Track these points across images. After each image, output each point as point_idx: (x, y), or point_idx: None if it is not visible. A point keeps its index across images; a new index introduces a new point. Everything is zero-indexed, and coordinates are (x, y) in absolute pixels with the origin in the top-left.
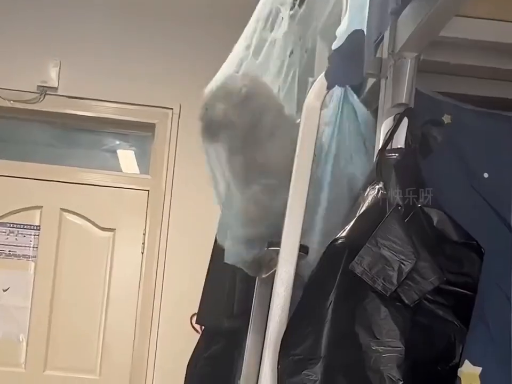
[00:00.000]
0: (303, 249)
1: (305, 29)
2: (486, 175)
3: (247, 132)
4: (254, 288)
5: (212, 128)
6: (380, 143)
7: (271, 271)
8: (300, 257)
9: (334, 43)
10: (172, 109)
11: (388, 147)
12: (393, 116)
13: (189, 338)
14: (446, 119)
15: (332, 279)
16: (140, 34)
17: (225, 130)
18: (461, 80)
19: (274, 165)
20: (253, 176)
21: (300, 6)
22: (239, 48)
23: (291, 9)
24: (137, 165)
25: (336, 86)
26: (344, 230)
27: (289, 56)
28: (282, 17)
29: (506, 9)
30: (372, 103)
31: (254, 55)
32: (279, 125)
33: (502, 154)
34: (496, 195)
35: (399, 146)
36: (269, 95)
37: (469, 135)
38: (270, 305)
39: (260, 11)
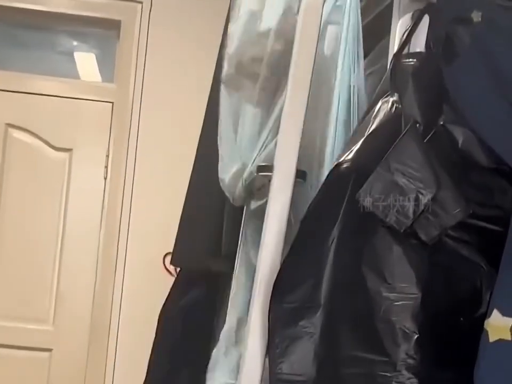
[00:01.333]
0: (301, 175)
1: None
2: None
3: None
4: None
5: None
6: (394, 46)
7: (262, 202)
8: (296, 185)
9: None
10: (141, 2)
11: (405, 51)
12: (411, 13)
13: (162, 282)
14: (476, 16)
15: (335, 211)
16: None
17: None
18: None
19: None
20: None
21: None
22: None
23: None
24: (99, 71)
25: None
26: (351, 151)
27: None
28: None
29: None
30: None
31: None
32: None
33: None
34: None
35: (418, 50)
36: None
37: (503, 36)
38: (260, 243)
39: None
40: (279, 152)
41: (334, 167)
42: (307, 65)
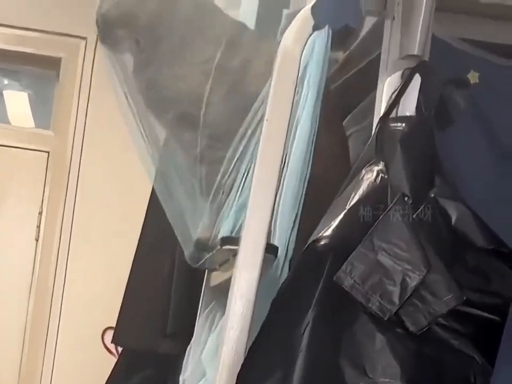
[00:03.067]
0: (271, 249)
1: None
2: None
3: (156, 29)
4: (197, 298)
5: (108, 27)
6: (381, 108)
7: (225, 277)
8: (266, 261)
9: None
10: (85, 38)
11: (393, 114)
12: (401, 72)
13: (100, 362)
14: (473, 77)
15: (309, 294)
16: None
17: (125, 28)
18: (495, 24)
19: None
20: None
21: None
22: None
23: None
24: (32, 114)
25: (327, 26)
26: (329, 227)
27: None
28: None
29: None
30: (369, 52)
31: None
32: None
33: None
34: None
35: (407, 114)
36: None
37: (501, 99)
38: (223, 324)
39: None
40: (247, 223)
41: (310, 244)
42: (281, 124)
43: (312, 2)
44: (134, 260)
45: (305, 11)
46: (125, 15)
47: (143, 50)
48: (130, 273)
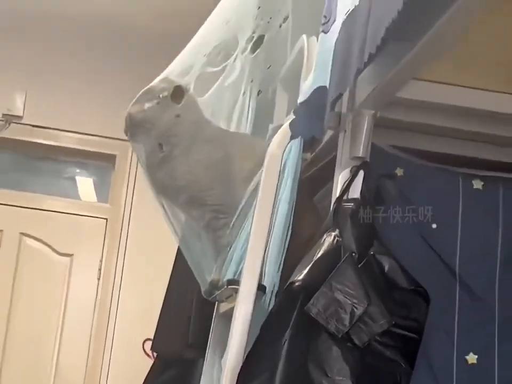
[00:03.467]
0: (261, 288)
1: (257, 72)
2: (434, 226)
3: (166, 136)
4: (210, 319)
5: (132, 126)
6: (337, 193)
7: (230, 307)
8: (257, 295)
9: (299, 97)
10: None
11: (345, 197)
12: (350, 168)
13: (142, 364)
14: (399, 172)
15: (288, 319)
16: (104, 65)
17: (142, 129)
18: (415, 136)
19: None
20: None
21: (253, 50)
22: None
23: (243, 51)
24: (97, 193)
25: (300, 136)
26: (301, 273)
27: (242, 95)
28: (236, 56)
29: (459, 74)
30: (328, 153)
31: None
32: (201, 133)
33: (449, 207)
34: (443, 244)
35: (355, 197)
36: (191, 102)
37: (419, 188)
38: (228, 340)
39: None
40: (245, 271)
41: (288, 285)
42: (268, 204)
43: (289, 120)
44: (166, 294)
45: (285, 126)
46: (148, 122)
47: (163, 151)
48: (163, 302)
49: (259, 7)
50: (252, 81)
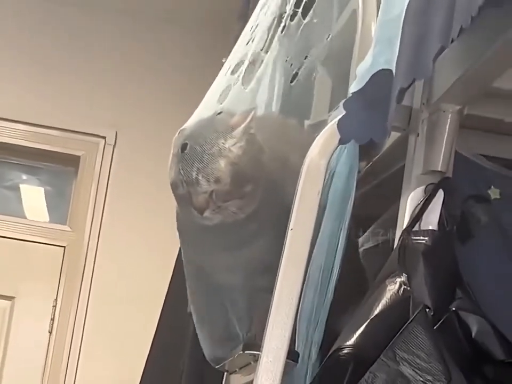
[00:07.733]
0: (292, 355)
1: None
2: None
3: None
4: None
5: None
6: (404, 221)
7: (245, 382)
8: (287, 366)
9: (352, 85)
10: (104, 137)
11: (415, 228)
12: (423, 187)
13: None
14: (494, 193)
15: None
16: (68, 46)
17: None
18: None
19: None
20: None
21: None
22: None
23: (283, 28)
24: (49, 210)
25: (352, 140)
26: (352, 336)
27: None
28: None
29: None
30: (391, 165)
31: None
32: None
33: None
34: None
35: (430, 228)
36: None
37: None
38: None
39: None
40: (269, 329)
41: (332, 352)
42: (306, 232)
43: (337, 118)
44: (146, 363)
45: (331, 126)
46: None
47: None
48: (144, 370)
49: None
50: (286, 60)
